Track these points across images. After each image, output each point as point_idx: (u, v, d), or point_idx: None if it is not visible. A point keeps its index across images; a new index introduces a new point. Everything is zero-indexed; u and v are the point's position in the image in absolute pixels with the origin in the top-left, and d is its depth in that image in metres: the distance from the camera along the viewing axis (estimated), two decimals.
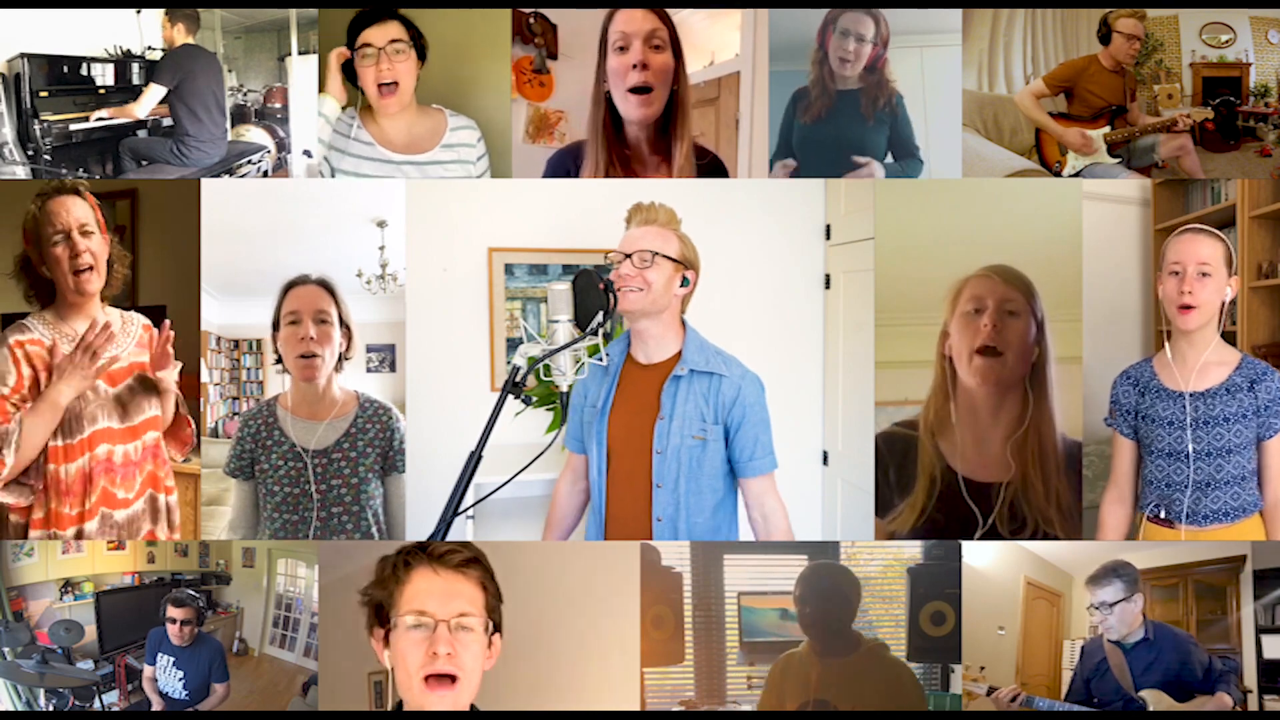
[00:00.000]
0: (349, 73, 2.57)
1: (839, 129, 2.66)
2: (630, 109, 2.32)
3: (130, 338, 2.35)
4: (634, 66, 2.25)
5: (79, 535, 2.25)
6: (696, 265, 2.21)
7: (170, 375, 2.34)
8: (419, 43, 2.53)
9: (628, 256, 2.13)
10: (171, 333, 2.31)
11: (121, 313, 2.37)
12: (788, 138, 2.72)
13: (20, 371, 2.15)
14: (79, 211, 2.20)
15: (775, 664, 2.49)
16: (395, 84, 2.49)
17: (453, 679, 1.50)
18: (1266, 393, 2.23)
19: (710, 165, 2.49)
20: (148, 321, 2.41)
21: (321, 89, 2.65)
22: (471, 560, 1.57)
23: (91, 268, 2.20)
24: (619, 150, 2.37)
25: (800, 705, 2.39)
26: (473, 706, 1.57)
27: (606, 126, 2.35)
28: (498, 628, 1.59)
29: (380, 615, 1.56)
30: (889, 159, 2.72)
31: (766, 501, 2.22)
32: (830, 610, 2.43)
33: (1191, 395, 2.25)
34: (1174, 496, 2.27)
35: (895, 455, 2.39)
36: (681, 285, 2.18)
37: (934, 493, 2.32)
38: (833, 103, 2.64)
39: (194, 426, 2.47)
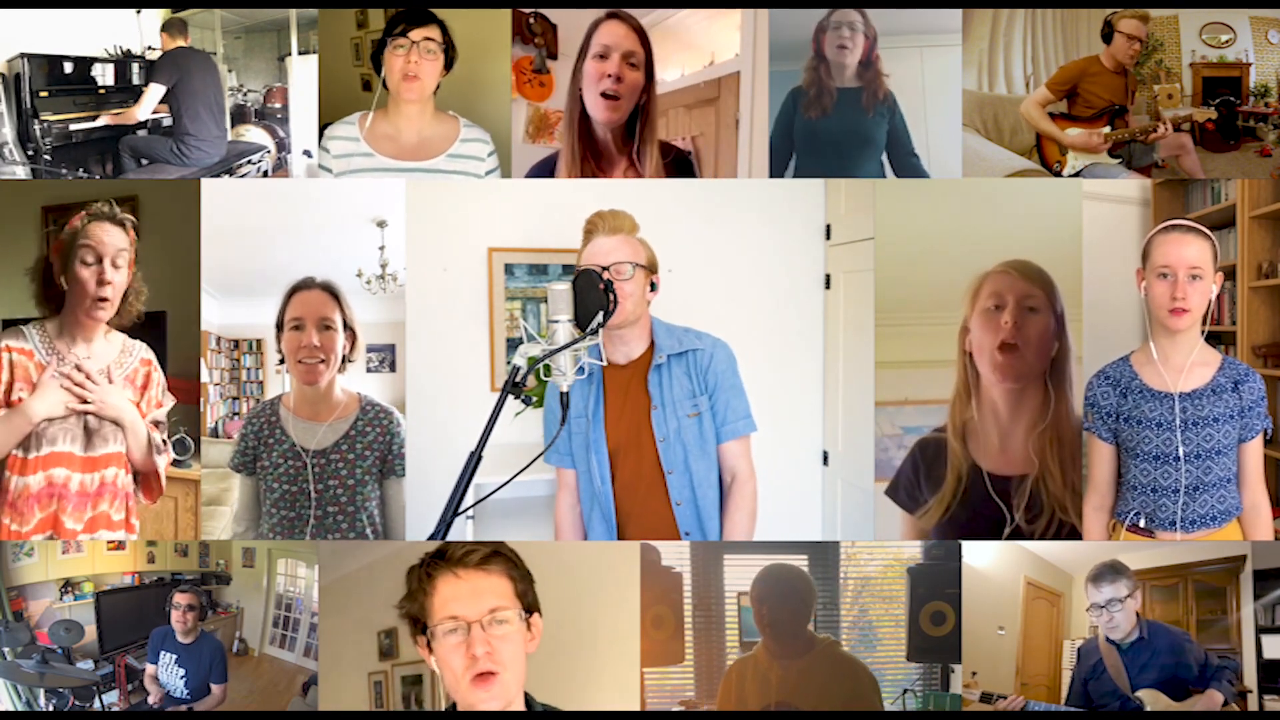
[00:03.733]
0: (376, 62, 2.58)
1: (842, 124, 2.71)
2: (598, 111, 2.46)
3: (123, 369, 2.31)
4: (607, 75, 2.41)
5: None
6: (658, 268, 2.28)
7: (122, 409, 2.26)
8: (449, 51, 2.57)
9: (604, 269, 2.16)
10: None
11: (125, 340, 2.34)
12: (788, 133, 2.75)
13: (0, 376, 2.19)
14: (117, 241, 2.21)
15: (729, 671, 2.48)
16: (418, 77, 2.55)
17: (495, 673, 1.51)
18: (1250, 394, 2.21)
19: (675, 160, 2.60)
20: (149, 356, 2.37)
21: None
22: (491, 555, 1.57)
23: (108, 299, 2.21)
24: (590, 146, 2.51)
25: (762, 709, 2.40)
26: (527, 695, 1.60)
27: (580, 123, 2.48)
28: (534, 609, 1.60)
29: (418, 624, 1.58)
30: (887, 170, 2.77)
31: (740, 465, 2.27)
32: (790, 612, 2.44)
33: (1180, 396, 2.22)
34: (1161, 502, 2.23)
35: (928, 458, 2.40)
36: (650, 290, 2.25)
37: (959, 490, 2.33)
38: (834, 100, 2.71)
39: (163, 480, 2.37)
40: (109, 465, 2.26)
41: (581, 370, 2.04)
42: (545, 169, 2.59)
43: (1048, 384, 2.29)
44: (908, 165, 2.74)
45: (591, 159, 2.51)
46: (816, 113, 2.71)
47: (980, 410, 2.33)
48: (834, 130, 2.71)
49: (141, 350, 2.37)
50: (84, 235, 2.18)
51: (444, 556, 1.57)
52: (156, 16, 3.06)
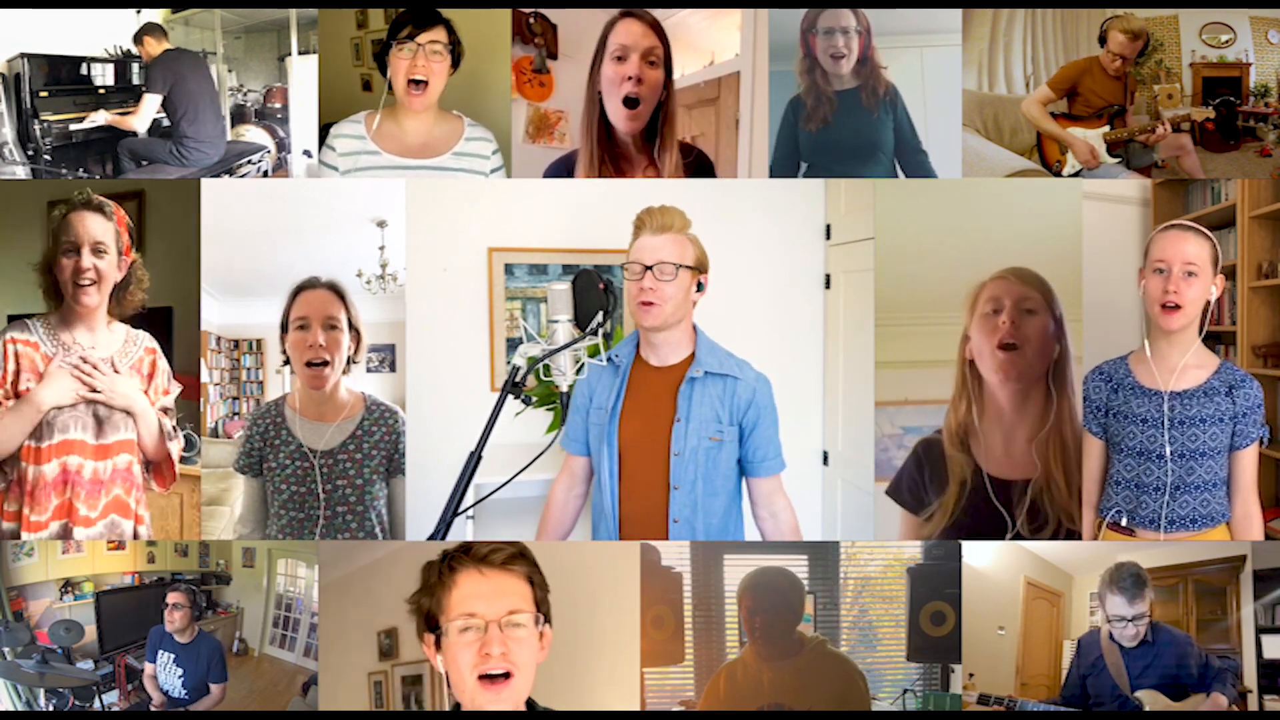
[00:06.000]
0: (380, 62, 2.57)
1: (848, 130, 2.66)
2: (620, 121, 2.41)
3: (128, 359, 2.32)
4: (628, 78, 2.35)
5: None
6: (708, 267, 2.22)
7: (132, 397, 2.29)
8: (455, 49, 2.55)
9: (648, 269, 2.12)
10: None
11: (129, 330, 2.35)
12: (792, 146, 2.70)
13: (6, 368, 2.22)
14: (96, 229, 2.21)
15: (716, 676, 2.46)
16: (425, 83, 2.52)
17: (507, 675, 1.50)
18: (1245, 400, 2.19)
19: (696, 161, 2.55)
20: (154, 345, 2.38)
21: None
22: (516, 555, 1.56)
23: (94, 284, 2.22)
24: (609, 149, 2.46)
25: (756, 710, 2.40)
26: (530, 701, 1.58)
27: (599, 126, 2.43)
28: (547, 619, 1.59)
29: (430, 621, 1.56)
30: (898, 173, 2.71)
31: (776, 500, 2.27)
32: (781, 620, 2.43)
33: (1169, 394, 2.20)
34: (1141, 499, 2.23)
35: (933, 458, 2.37)
36: (697, 290, 2.19)
37: (963, 495, 2.31)
38: (835, 106, 2.65)
39: (176, 467, 2.40)
40: (121, 452, 2.28)
41: (581, 370, 2.04)
42: (562, 168, 2.55)
43: (1050, 386, 2.28)
44: (917, 164, 2.68)
45: (610, 161, 2.46)
46: (817, 124, 2.66)
47: (983, 415, 2.32)
48: (839, 139, 2.66)
49: (145, 339, 2.38)
50: (64, 226, 2.21)
51: (469, 552, 1.56)
52: (157, 16, 3.06)
